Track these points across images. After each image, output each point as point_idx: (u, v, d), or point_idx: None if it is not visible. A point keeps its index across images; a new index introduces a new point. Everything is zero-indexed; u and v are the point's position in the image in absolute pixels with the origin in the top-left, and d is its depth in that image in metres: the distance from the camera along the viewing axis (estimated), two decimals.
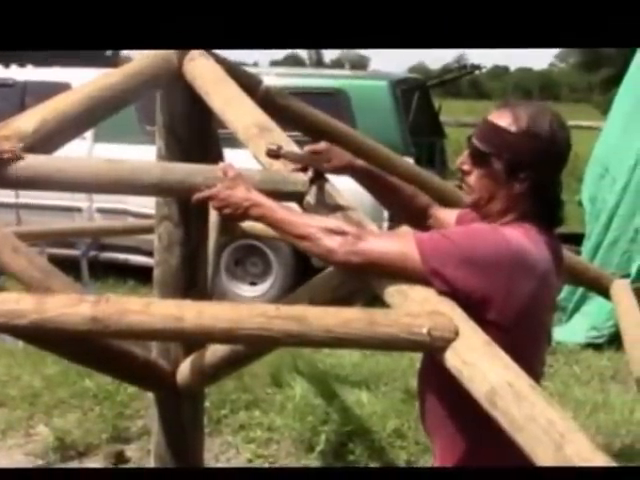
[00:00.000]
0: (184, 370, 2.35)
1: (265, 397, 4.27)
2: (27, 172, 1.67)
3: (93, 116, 2.01)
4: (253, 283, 6.28)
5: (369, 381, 4.47)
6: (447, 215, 1.89)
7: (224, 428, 3.98)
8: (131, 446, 3.81)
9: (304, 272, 5.89)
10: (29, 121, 1.80)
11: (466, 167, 1.66)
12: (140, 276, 6.31)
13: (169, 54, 2.23)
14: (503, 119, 1.60)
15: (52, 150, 1.82)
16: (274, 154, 1.73)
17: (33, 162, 1.69)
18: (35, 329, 1.31)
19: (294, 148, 1.79)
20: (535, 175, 1.59)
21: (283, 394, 4.27)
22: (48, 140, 1.80)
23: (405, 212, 1.93)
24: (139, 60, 2.21)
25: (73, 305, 1.32)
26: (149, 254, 6.32)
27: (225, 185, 1.60)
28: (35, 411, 4.11)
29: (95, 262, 6.45)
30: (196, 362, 2.30)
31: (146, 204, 5.77)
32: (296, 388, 4.26)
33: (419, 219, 1.89)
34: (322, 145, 1.76)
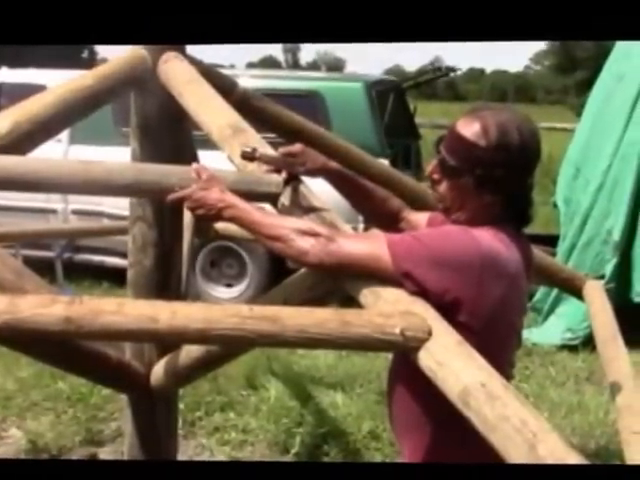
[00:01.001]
0: (158, 371, 2.35)
1: (240, 399, 4.26)
2: (0, 173, 1.66)
3: (67, 118, 2.00)
4: (229, 285, 6.27)
5: (344, 383, 4.48)
6: (418, 218, 1.90)
7: (198, 430, 3.96)
8: (105, 449, 3.78)
9: (279, 274, 5.88)
10: (2, 123, 1.79)
11: (435, 176, 1.66)
12: (115, 278, 6.25)
13: (143, 56, 2.23)
14: (471, 131, 1.58)
15: (26, 152, 1.81)
16: (249, 156, 1.73)
17: (6, 163, 1.67)
18: (8, 330, 1.30)
19: (268, 150, 1.79)
20: (506, 185, 1.59)
21: (258, 396, 4.27)
22: (22, 142, 1.79)
23: (377, 215, 1.94)
24: (113, 62, 2.21)
25: (46, 306, 1.30)
26: (124, 255, 6.30)
27: (199, 186, 1.60)
28: (8, 414, 4.07)
29: (70, 264, 6.39)
30: (170, 363, 2.29)
31: (121, 205, 5.75)
32: (271, 390, 4.26)
33: (391, 222, 1.90)
34: (296, 147, 1.77)
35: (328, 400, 4.19)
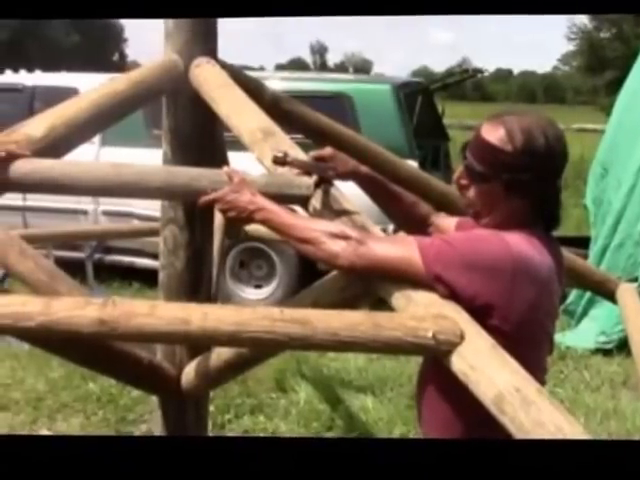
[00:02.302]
0: (189, 373, 2.36)
1: (269, 402, 4.27)
2: (34, 176, 1.68)
3: (100, 122, 2.02)
4: (258, 286, 6.29)
5: (374, 386, 4.46)
6: (447, 223, 1.89)
7: (228, 433, 3.98)
8: None
9: (309, 275, 5.88)
10: (38, 127, 1.81)
11: (463, 182, 1.65)
12: (145, 279, 6.32)
13: (175, 60, 2.25)
14: (497, 136, 1.57)
15: (60, 155, 1.84)
16: (280, 161, 1.73)
17: (41, 166, 1.70)
18: (42, 331, 1.32)
19: (299, 153, 1.79)
20: (534, 189, 1.58)
21: (287, 399, 4.28)
22: (57, 145, 1.81)
23: (406, 220, 1.93)
24: (146, 67, 2.23)
25: (80, 307, 1.32)
26: (154, 256, 6.36)
27: (231, 189, 1.62)
28: (38, 415, 4.12)
29: (100, 265, 6.46)
30: (201, 365, 2.30)
31: (151, 206, 5.82)
32: (300, 393, 4.27)
33: (419, 227, 1.89)
34: (327, 151, 1.77)
35: (358, 404, 4.17)
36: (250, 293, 6.26)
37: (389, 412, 4.08)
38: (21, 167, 1.68)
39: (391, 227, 5.08)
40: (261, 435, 3.90)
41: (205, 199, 1.64)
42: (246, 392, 4.28)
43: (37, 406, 4.21)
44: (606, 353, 5.21)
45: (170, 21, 2.26)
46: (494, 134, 1.58)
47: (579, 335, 5.34)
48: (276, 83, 5.78)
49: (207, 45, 2.29)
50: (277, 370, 4.42)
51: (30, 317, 1.30)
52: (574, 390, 4.58)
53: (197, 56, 2.26)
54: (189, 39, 2.26)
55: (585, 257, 4.94)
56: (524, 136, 1.55)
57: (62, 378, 4.45)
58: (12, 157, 1.67)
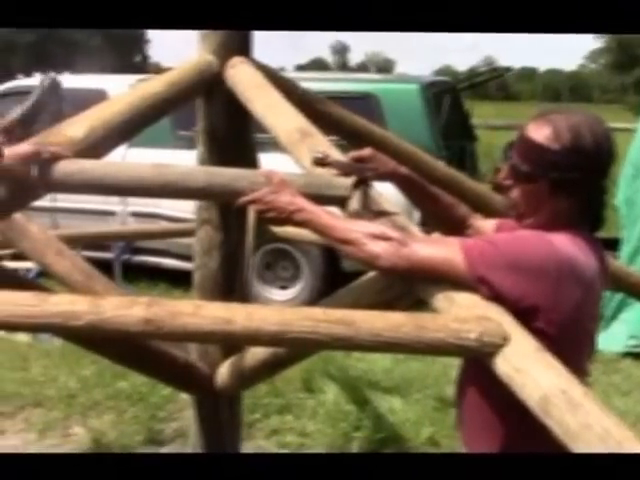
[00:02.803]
0: (223, 372, 2.37)
1: (297, 402, 4.27)
2: (78, 176, 1.70)
3: (137, 124, 2.05)
4: (283, 287, 6.30)
5: (401, 387, 4.45)
6: (485, 226, 1.87)
7: (257, 432, 3.99)
8: (165, 448, 3.83)
9: (334, 276, 5.90)
10: (78, 128, 1.84)
11: (508, 182, 1.63)
12: (172, 279, 6.36)
13: (210, 61, 2.26)
14: (543, 135, 1.55)
15: (100, 156, 1.86)
16: (320, 162, 1.74)
17: (84, 167, 1.72)
18: (90, 330, 1.33)
19: (337, 154, 1.80)
20: (581, 189, 1.56)
21: (315, 399, 4.28)
22: (97, 146, 1.84)
23: (444, 221, 1.92)
24: (181, 68, 2.24)
25: (127, 307, 1.33)
26: (180, 257, 6.42)
27: (270, 189, 1.62)
28: (71, 412, 4.16)
29: (128, 265, 6.51)
30: (235, 365, 2.31)
31: (178, 208, 5.87)
32: (328, 393, 4.26)
33: (458, 229, 1.88)
34: (367, 152, 1.77)
35: (385, 405, 4.16)
36: (275, 294, 6.28)
37: (417, 413, 4.07)
38: (65, 168, 1.70)
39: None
40: (290, 438, 3.91)
41: (244, 199, 1.64)
42: (274, 392, 4.28)
43: (70, 403, 4.25)
44: (636, 357, 5.16)
45: None
46: (540, 133, 1.56)
47: (609, 338, 5.28)
48: (301, 84, 5.77)
49: (242, 45, 2.31)
50: (305, 370, 4.42)
51: (79, 316, 1.31)
52: (604, 394, 4.51)
53: (232, 56, 2.27)
54: (224, 40, 2.28)
55: (615, 258, 4.89)
56: (571, 134, 1.53)
57: (94, 375, 4.48)
58: (56, 158, 1.70)
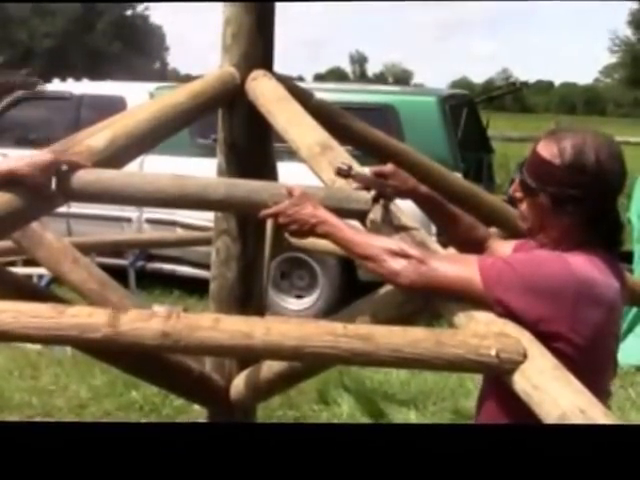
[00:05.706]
0: (238, 385, 2.36)
1: (311, 414, 4.24)
2: (97, 186, 1.71)
3: (159, 133, 2.05)
4: (299, 296, 6.29)
5: (417, 400, 4.42)
6: (503, 247, 1.87)
7: None
8: None
9: (350, 285, 5.89)
10: (99, 138, 1.85)
11: (518, 195, 1.65)
12: (186, 286, 6.37)
13: (232, 73, 2.27)
14: (549, 151, 1.58)
15: (121, 165, 1.87)
16: (344, 173, 1.75)
17: (103, 176, 1.73)
18: (108, 343, 1.33)
19: (359, 168, 1.80)
20: (584, 207, 1.56)
21: (330, 411, 4.25)
22: (118, 156, 1.85)
23: (462, 241, 1.92)
24: (203, 79, 2.25)
25: (145, 320, 1.34)
26: (194, 264, 6.43)
27: (292, 202, 1.63)
28: None
29: (142, 272, 6.53)
30: (250, 377, 2.30)
31: (194, 215, 5.88)
32: (343, 405, 4.24)
33: (476, 250, 1.88)
34: (388, 168, 1.77)
35: (401, 417, 4.13)
36: (291, 303, 6.27)
37: None
38: (83, 177, 1.71)
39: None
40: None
41: (267, 212, 1.65)
42: (288, 404, 4.26)
43: (80, 413, 4.22)
44: None
45: (228, 34, 2.29)
46: (547, 149, 1.59)
47: (624, 352, 5.21)
48: (319, 95, 5.78)
49: (264, 59, 2.31)
50: (319, 382, 4.40)
51: (96, 329, 1.32)
52: (620, 408, 4.48)
53: (254, 69, 2.28)
54: (246, 52, 2.29)
55: (629, 272, 4.85)
56: (574, 152, 1.55)
57: (105, 385, 4.46)
58: (75, 168, 1.70)
